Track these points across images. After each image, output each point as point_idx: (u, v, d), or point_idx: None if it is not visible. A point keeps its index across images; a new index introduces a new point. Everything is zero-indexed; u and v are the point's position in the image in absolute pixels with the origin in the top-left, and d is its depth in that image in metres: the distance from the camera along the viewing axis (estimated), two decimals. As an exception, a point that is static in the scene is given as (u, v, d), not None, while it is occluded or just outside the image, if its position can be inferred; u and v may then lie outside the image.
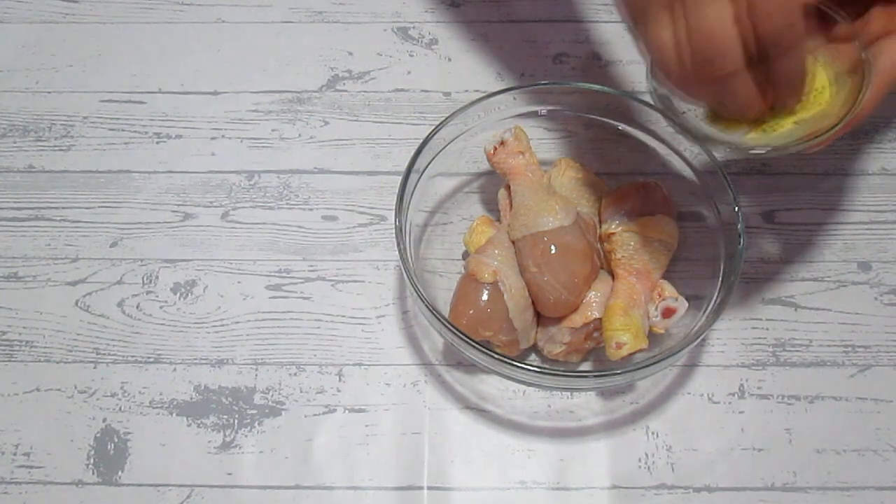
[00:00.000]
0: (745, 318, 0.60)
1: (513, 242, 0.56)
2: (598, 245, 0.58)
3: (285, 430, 0.56)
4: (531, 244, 0.54)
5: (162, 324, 0.60)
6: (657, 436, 0.56)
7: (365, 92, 0.71)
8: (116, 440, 0.56)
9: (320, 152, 0.68)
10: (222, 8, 0.76)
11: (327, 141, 0.68)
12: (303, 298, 0.61)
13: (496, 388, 0.58)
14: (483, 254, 0.55)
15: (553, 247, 0.54)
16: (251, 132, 0.69)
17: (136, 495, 0.54)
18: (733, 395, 0.57)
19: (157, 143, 0.68)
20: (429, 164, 0.59)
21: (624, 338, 0.52)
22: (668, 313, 0.55)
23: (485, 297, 0.54)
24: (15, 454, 0.55)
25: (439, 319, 0.52)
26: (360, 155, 0.68)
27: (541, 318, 0.56)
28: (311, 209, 0.65)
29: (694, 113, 0.51)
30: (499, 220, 0.60)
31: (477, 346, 0.51)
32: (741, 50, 0.44)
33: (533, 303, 0.55)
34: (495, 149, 0.58)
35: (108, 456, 0.55)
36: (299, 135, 0.69)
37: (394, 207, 0.55)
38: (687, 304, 0.55)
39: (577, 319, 0.55)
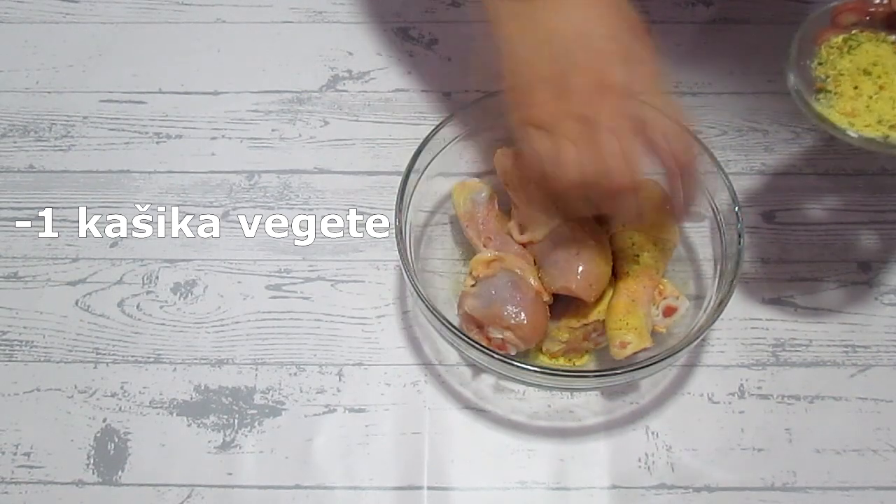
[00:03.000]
0: (745, 318, 0.60)
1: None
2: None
3: (285, 430, 0.56)
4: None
5: (162, 324, 0.60)
6: (657, 436, 0.56)
7: (365, 92, 0.71)
8: (116, 440, 0.56)
9: (320, 152, 0.68)
10: (222, 8, 0.76)
11: (327, 141, 0.68)
12: (303, 298, 0.61)
13: (496, 388, 0.58)
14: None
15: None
16: (251, 132, 0.69)
17: (136, 495, 0.54)
18: (733, 395, 0.57)
19: (157, 143, 0.68)
20: (429, 164, 0.59)
21: (628, 337, 0.52)
22: (669, 312, 0.55)
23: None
24: (15, 454, 0.55)
25: (439, 319, 0.52)
26: (360, 155, 0.68)
27: None
28: (311, 209, 0.65)
29: (828, 111, 0.51)
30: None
31: (477, 346, 0.51)
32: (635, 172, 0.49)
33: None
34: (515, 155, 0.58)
35: (108, 456, 0.55)
36: (299, 135, 0.69)
37: (394, 207, 0.56)
38: (688, 303, 0.55)
39: (575, 320, 0.55)
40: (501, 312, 0.53)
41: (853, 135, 0.49)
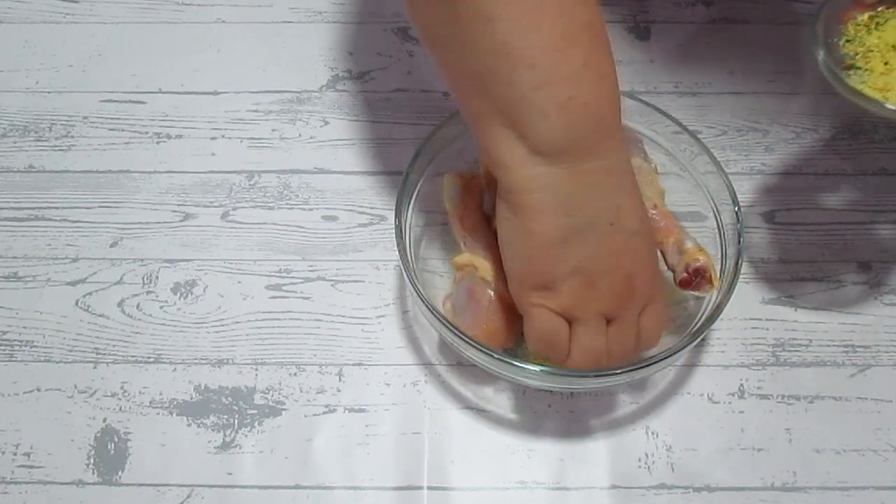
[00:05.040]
0: (745, 318, 0.60)
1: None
2: None
3: (285, 430, 0.56)
4: None
5: (162, 324, 0.60)
6: (657, 436, 0.56)
7: (365, 92, 0.71)
8: (116, 440, 0.56)
9: (320, 152, 0.68)
10: (222, 8, 0.76)
11: (327, 141, 0.68)
12: (303, 298, 0.61)
13: (496, 388, 0.58)
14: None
15: None
16: (251, 132, 0.69)
17: (136, 495, 0.54)
18: (733, 395, 0.57)
19: (157, 143, 0.68)
20: (429, 163, 0.59)
21: (701, 257, 0.53)
22: (698, 274, 0.54)
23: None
24: (15, 454, 0.55)
25: (439, 319, 0.52)
26: (360, 155, 0.68)
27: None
28: (311, 209, 0.65)
29: (860, 86, 0.51)
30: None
31: (477, 346, 0.51)
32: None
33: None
34: None
35: (108, 456, 0.55)
36: (299, 135, 0.69)
37: (394, 207, 0.55)
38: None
39: None
40: (461, 321, 0.53)
41: (891, 107, 0.50)
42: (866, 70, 0.52)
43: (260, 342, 0.59)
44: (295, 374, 0.58)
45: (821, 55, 0.52)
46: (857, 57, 0.52)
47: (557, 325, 0.49)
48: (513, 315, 0.54)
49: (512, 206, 0.48)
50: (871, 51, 0.52)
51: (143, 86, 0.71)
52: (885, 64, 0.51)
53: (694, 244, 0.55)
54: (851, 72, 0.52)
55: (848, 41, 0.53)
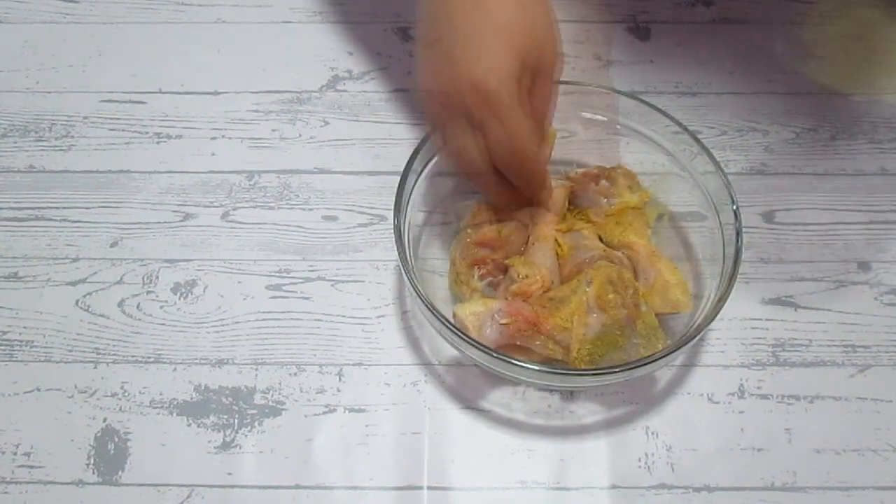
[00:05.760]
0: (745, 318, 0.60)
1: None
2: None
3: (285, 430, 0.56)
4: None
5: (162, 324, 0.60)
6: (657, 435, 0.56)
7: (365, 92, 0.71)
8: (116, 440, 0.56)
9: (320, 152, 0.68)
10: (222, 8, 0.76)
11: (327, 141, 0.68)
12: (303, 298, 0.61)
13: (496, 387, 0.58)
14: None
15: None
16: (251, 132, 0.69)
17: (136, 495, 0.54)
18: (733, 395, 0.57)
19: (157, 143, 0.68)
20: (428, 163, 0.59)
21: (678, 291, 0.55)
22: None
23: None
24: (15, 454, 0.55)
25: (439, 319, 0.52)
26: (360, 155, 0.68)
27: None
28: (311, 209, 0.65)
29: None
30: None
31: (477, 345, 0.51)
32: (486, 165, 0.53)
33: None
34: None
35: (108, 456, 0.55)
36: (299, 135, 0.69)
37: (393, 207, 0.55)
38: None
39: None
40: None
41: None
42: None
43: (260, 342, 0.59)
44: (295, 374, 0.58)
45: None
46: None
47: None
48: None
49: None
50: None
51: (143, 86, 0.71)
52: None
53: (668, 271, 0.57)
54: None
55: None
